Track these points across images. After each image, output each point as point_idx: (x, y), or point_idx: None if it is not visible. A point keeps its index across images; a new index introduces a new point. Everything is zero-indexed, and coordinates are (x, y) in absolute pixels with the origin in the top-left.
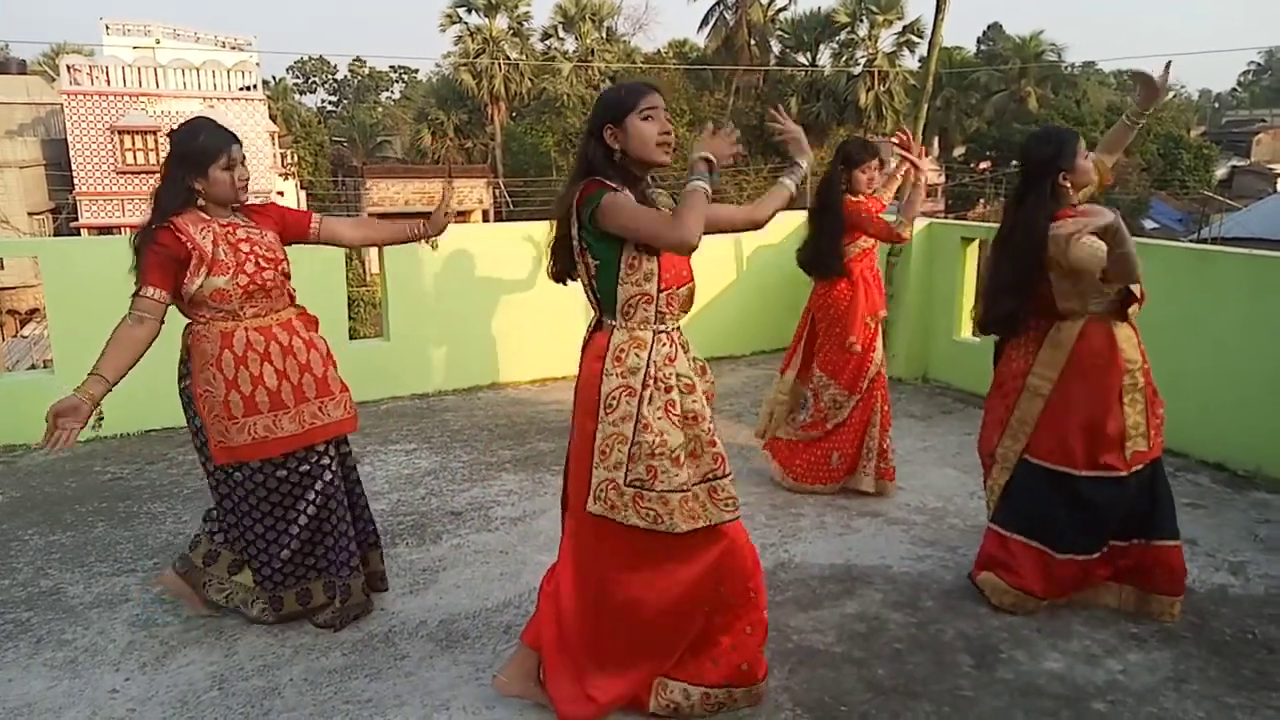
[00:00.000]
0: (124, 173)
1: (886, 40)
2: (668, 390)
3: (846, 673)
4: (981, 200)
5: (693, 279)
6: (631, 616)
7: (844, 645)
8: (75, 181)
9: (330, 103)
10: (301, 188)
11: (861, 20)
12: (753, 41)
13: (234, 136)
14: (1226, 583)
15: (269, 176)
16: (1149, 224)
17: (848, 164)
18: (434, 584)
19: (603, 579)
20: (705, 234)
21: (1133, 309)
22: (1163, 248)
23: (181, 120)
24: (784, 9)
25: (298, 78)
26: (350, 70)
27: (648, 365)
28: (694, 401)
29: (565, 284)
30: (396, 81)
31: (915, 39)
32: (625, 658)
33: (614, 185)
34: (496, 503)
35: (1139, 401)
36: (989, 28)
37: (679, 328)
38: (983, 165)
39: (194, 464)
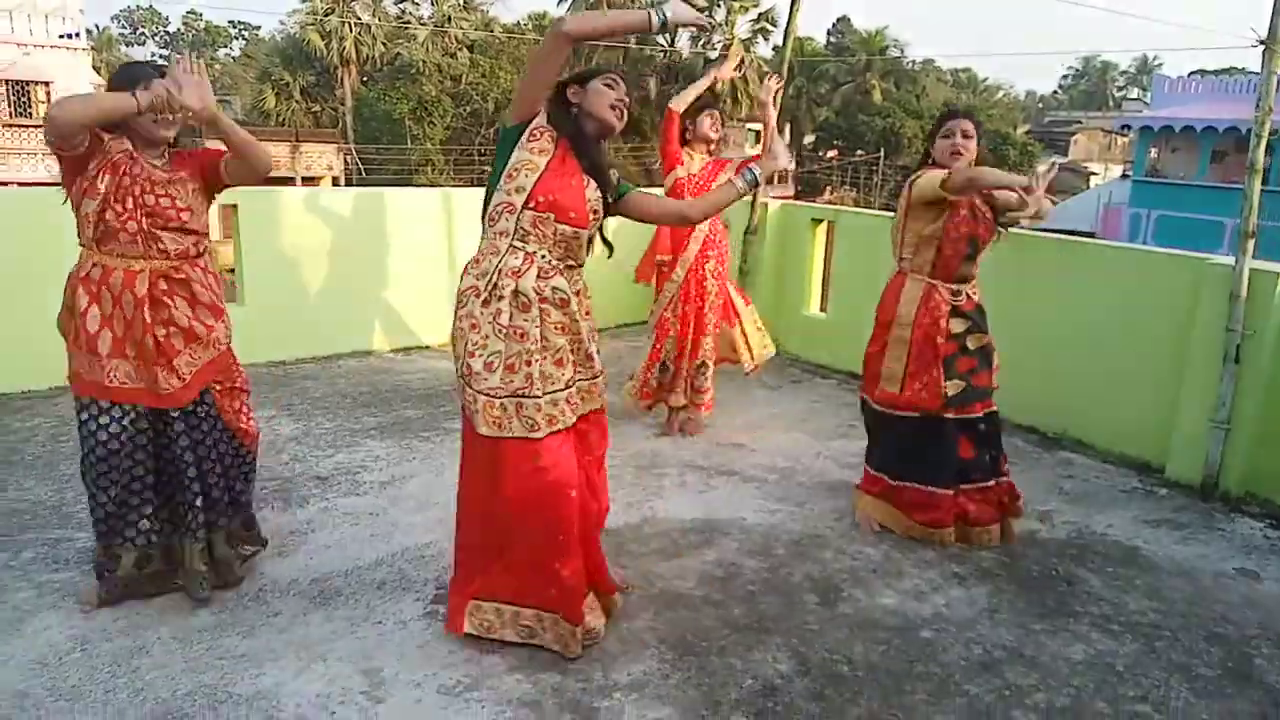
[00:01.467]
0: None
1: (742, 27)
2: (500, 299)
3: (706, 613)
4: (829, 187)
5: (584, 226)
6: (461, 513)
7: (704, 589)
8: None
9: (161, 57)
10: None
11: (719, 5)
12: None
13: (152, 70)
14: (1034, 529)
15: None
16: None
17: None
18: (303, 545)
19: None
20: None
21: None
22: None
23: None
24: None
25: (124, 28)
26: (184, 23)
27: (492, 272)
28: (524, 319)
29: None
30: (236, 38)
31: (769, 27)
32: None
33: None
34: (364, 467)
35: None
36: (838, 20)
37: (557, 261)
38: (830, 153)
39: (30, 431)
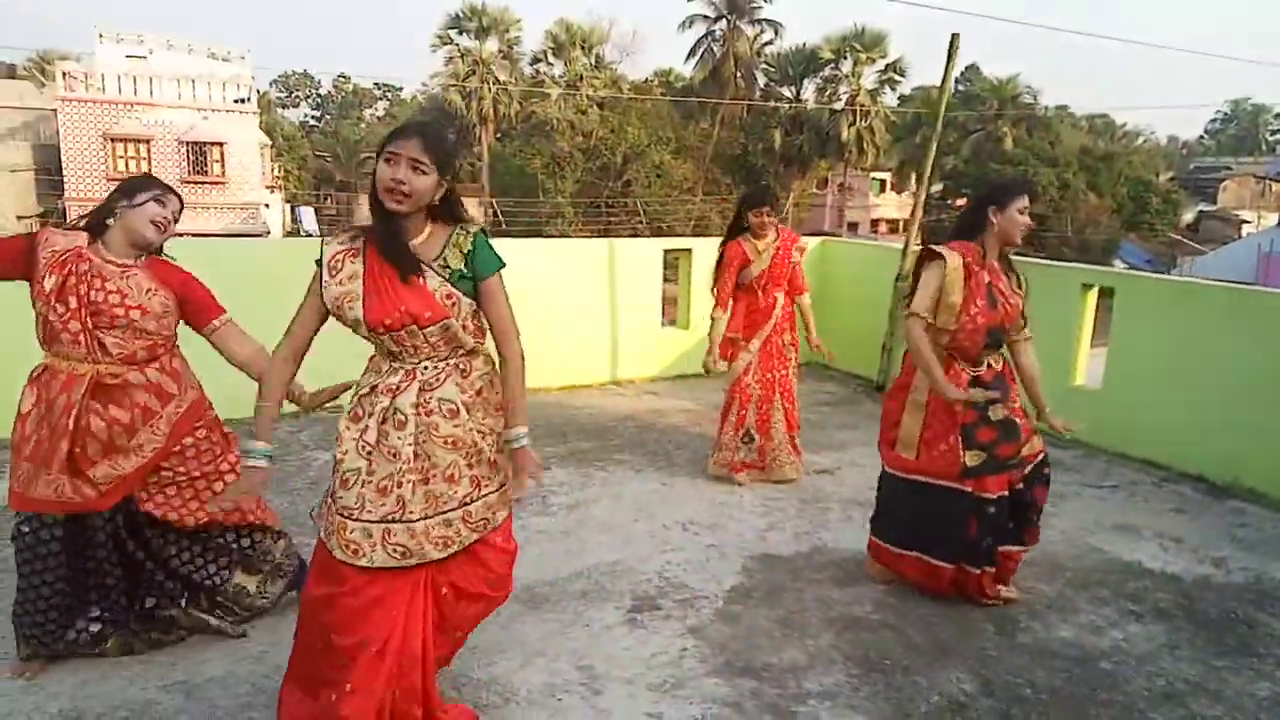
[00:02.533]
0: (114, 180)
1: (869, 77)
2: (369, 416)
3: (885, 635)
4: None
5: (442, 317)
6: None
7: (881, 614)
8: (65, 187)
9: (313, 117)
10: (286, 201)
11: (845, 57)
12: (739, 74)
13: (168, 189)
14: (1209, 573)
15: (259, 190)
16: (1119, 264)
17: (742, 205)
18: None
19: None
20: None
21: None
22: (1144, 279)
23: (175, 129)
24: (769, 43)
25: (281, 92)
26: (334, 86)
27: (367, 388)
28: (399, 437)
29: None
30: (380, 99)
31: (897, 77)
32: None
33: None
34: (550, 492)
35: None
36: (966, 69)
37: (439, 363)
38: (959, 201)
39: None
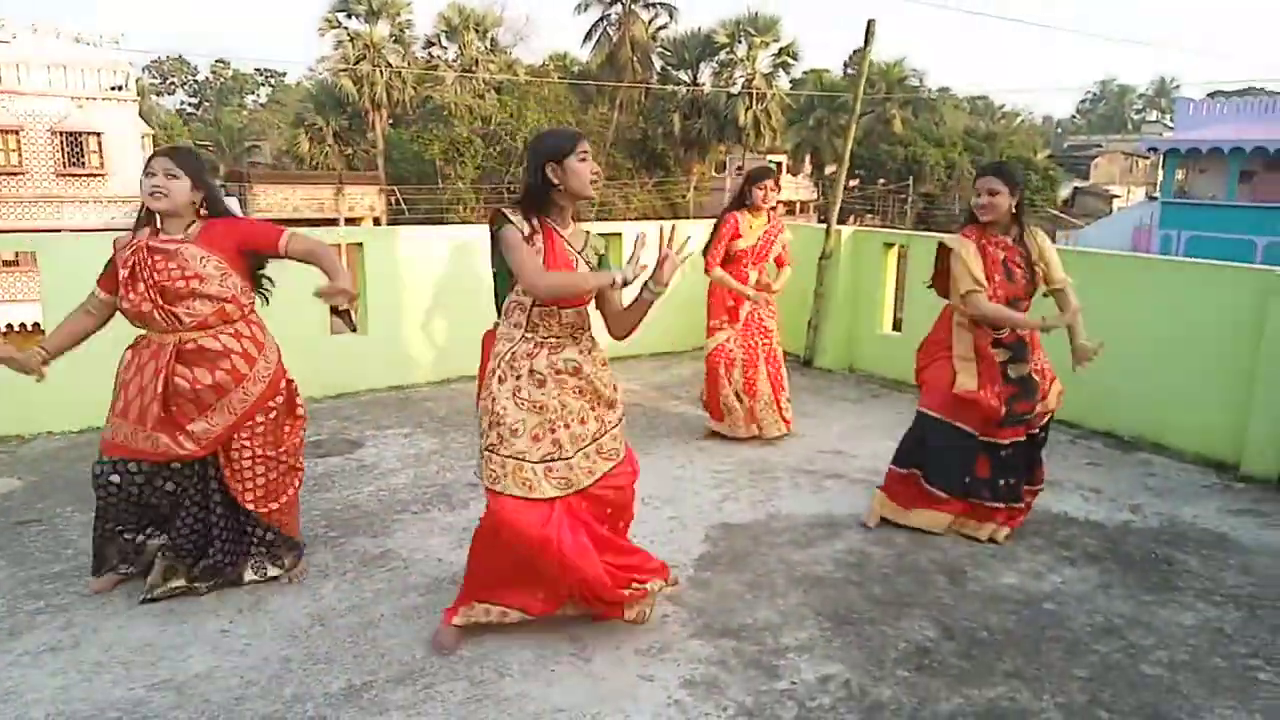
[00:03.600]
0: None
1: (764, 61)
2: (517, 378)
3: (848, 591)
4: (852, 216)
5: (583, 303)
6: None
7: (842, 572)
8: None
9: (190, 105)
10: None
11: (740, 41)
12: (635, 58)
13: (156, 153)
14: (1129, 519)
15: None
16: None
17: (747, 180)
18: None
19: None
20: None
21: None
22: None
23: (46, 118)
24: (664, 27)
25: (155, 78)
26: (212, 72)
27: (507, 355)
28: (541, 393)
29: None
30: (262, 85)
31: (790, 61)
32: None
33: (511, 217)
34: None
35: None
36: (854, 52)
37: (562, 338)
38: (852, 183)
39: None
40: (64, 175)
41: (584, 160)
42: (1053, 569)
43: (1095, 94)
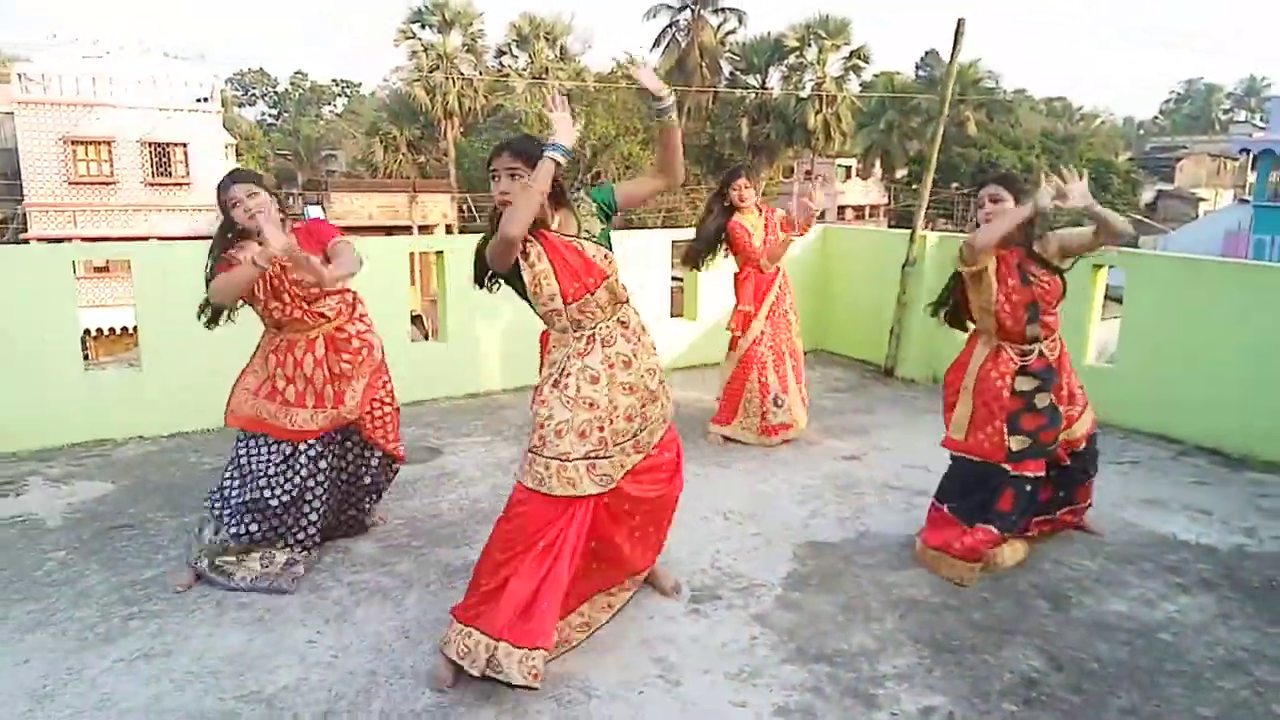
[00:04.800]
0: (76, 184)
1: (834, 65)
2: (566, 376)
3: (946, 616)
4: (925, 220)
5: (604, 279)
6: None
7: (939, 596)
8: (25, 192)
9: (270, 115)
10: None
11: (810, 45)
12: (704, 63)
13: (231, 179)
14: (1243, 542)
15: None
16: None
17: (723, 186)
18: None
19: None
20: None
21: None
22: (1152, 257)
23: (136, 130)
24: (733, 32)
25: (237, 90)
26: (291, 83)
27: (563, 359)
28: (594, 390)
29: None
30: (339, 95)
31: (861, 64)
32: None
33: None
34: None
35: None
36: (926, 54)
37: (609, 325)
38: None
39: None
40: (152, 185)
41: (495, 179)
42: (1165, 596)
43: (1180, 94)
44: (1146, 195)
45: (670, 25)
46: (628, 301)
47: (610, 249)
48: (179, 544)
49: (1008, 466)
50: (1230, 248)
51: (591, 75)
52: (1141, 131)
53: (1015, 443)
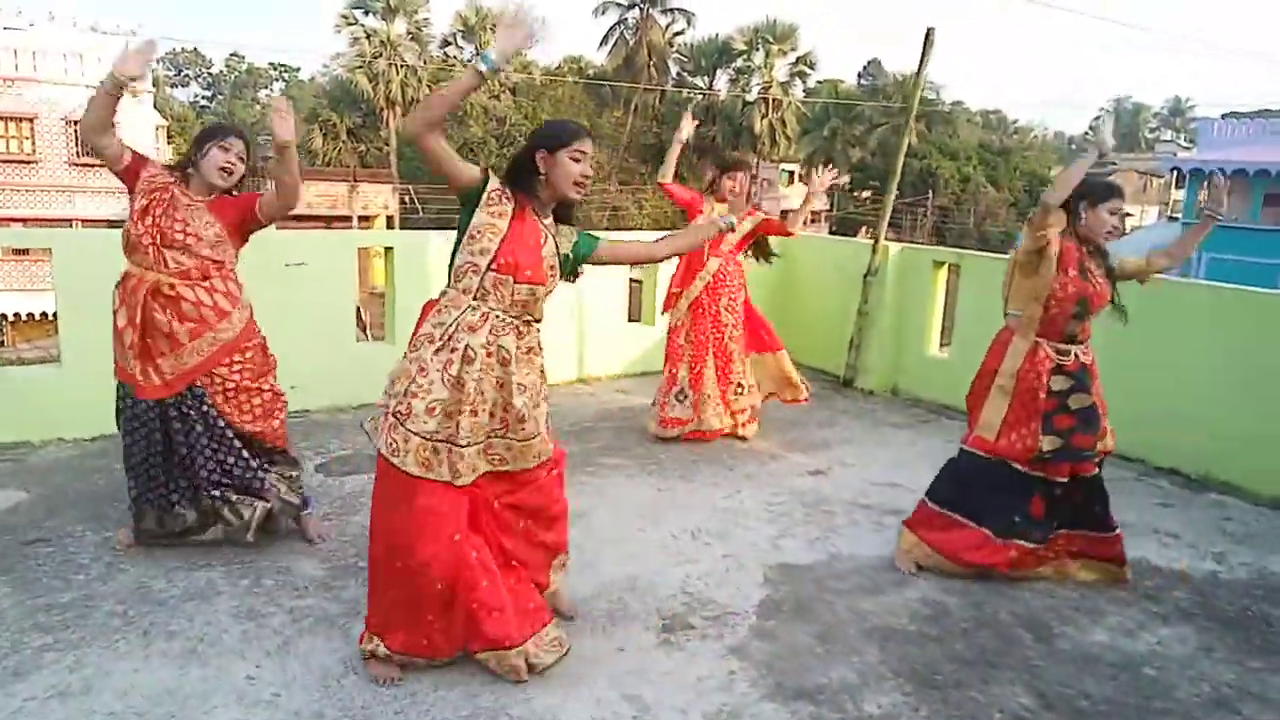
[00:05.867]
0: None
1: (781, 69)
2: (452, 351)
3: (929, 648)
4: (865, 227)
5: (541, 283)
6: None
7: (918, 625)
8: None
9: (204, 98)
10: None
11: (757, 49)
12: (652, 63)
13: (230, 130)
14: (1214, 569)
15: None
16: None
17: (720, 167)
18: None
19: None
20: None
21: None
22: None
23: (61, 107)
24: (681, 33)
25: (170, 70)
26: (227, 65)
27: (450, 324)
28: (469, 372)
29: None
30: (276, 80)
31: (807, 70)
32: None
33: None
34: None
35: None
36: (869, 63)
37: (513, 319)
38: (865, 194)
39: None
40: (77, 165)
41: (577, 160)
42: (1145, 626)
43: (1108, 110)
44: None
45: (619, 23)
46: (537, 323)
47: (569, 277)
48: (102, 562)
49: (1036, 471)
50: None
51: (539, 70)
52: (1073, 146)
53: (1047, 443)
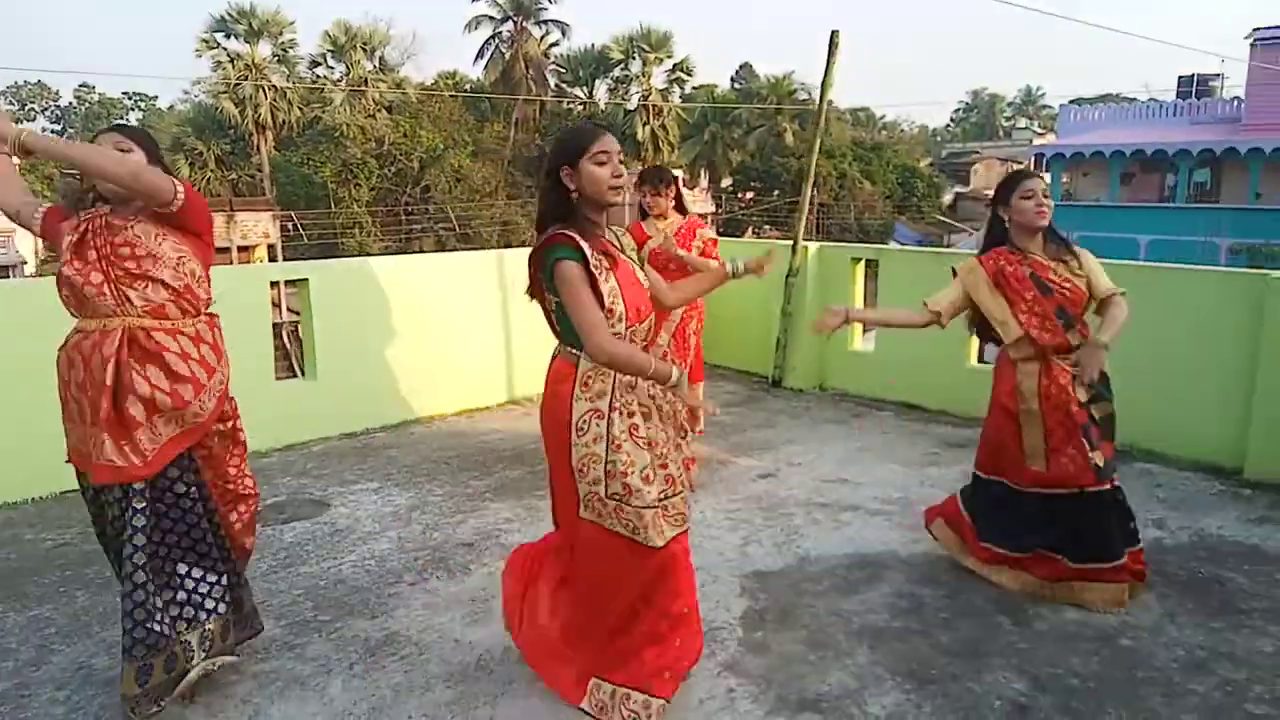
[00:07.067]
0: None
1: (659, 77)
2: (630, 415)
3: (916, 643)
4: (749, 227)
5: (652, 311)
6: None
7: (900, 620)
8: None
9: (54, 131)
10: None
11: (634, 57)
12: (530, 75)
13: (111, 129)
14: (1158, 535)
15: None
16: (894, 245)
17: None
18: (492, 611)
19: (588, 578)
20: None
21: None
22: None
23: None
24: (556, 44)
25: (13, 104)
26: (76, 97)
27: (612, 391)
28: (650, 428)
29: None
30: (132, 109)
31: (685, 76)
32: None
33: (573, 239)
34: (501, 530)
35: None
36: (741, 67)
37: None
38: (748, 195)
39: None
40: None
41: (603, 163)
42: None
43: (968, 103)
44: (946, 198)
45: (493, 36)
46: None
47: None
48: (30, 645)
49: (1105, 486)
50: None
51: (413, 87)
52: (937, 139)
53: (1098, 457)
